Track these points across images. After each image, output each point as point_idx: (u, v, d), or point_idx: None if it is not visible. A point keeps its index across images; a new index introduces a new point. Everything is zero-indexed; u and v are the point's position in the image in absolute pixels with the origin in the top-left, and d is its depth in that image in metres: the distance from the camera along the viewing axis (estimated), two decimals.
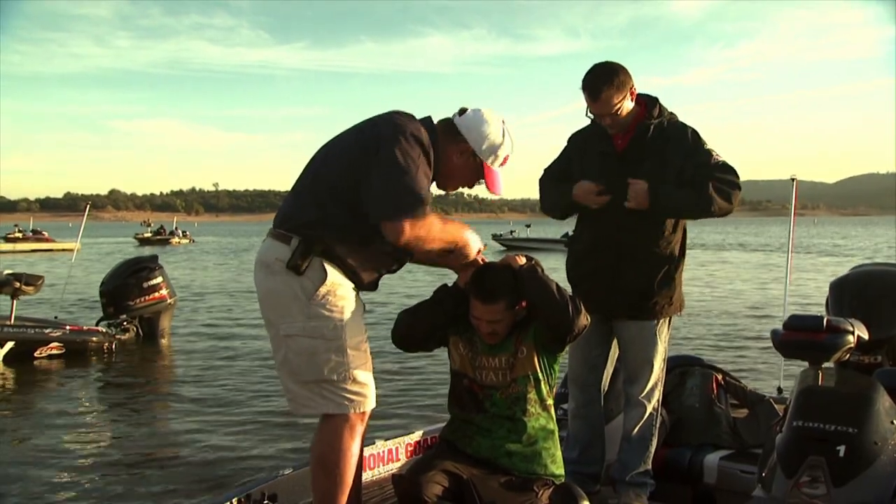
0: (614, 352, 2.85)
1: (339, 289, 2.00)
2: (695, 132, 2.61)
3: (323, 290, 1.96)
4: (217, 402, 6.28)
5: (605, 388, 2.88)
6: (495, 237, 33.52)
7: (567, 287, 2.31)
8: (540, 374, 2.24)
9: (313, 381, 1.98)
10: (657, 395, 2.76)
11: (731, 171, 2.57)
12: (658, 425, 2.78)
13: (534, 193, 2.88)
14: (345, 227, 1.99)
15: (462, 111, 2.14)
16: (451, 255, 2.13)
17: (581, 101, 2.54)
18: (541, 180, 2.80)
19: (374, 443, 2.89)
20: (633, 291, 2.64)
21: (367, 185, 1.94)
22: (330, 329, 1.97)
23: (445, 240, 2.03)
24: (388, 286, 14.86)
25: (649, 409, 2.75)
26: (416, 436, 3.09)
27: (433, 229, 1.96)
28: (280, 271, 1.96)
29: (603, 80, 2.47)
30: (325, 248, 1.97)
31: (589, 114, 2.55)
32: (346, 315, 2.01)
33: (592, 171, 2.65)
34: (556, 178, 2.80)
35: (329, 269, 1.98)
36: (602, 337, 2.77)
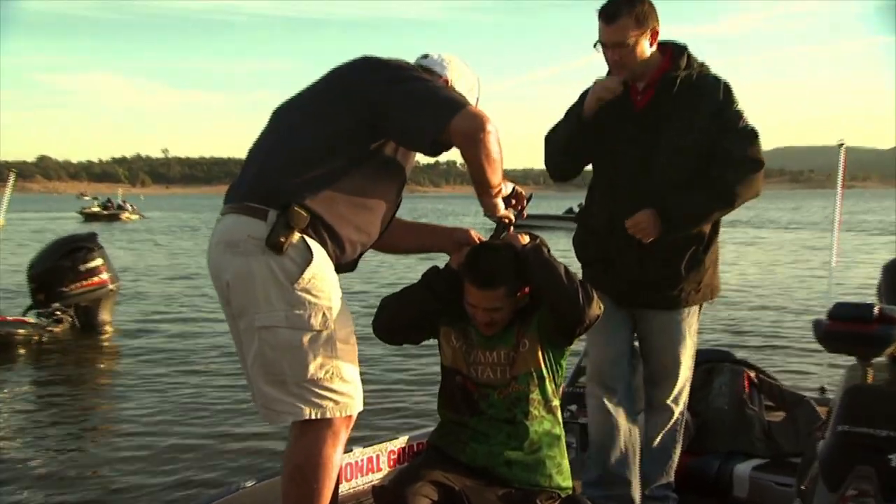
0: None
1: (325, 271, 2.01)
2: (727, 87, 2.59)
3: (309, 272, 1.97)
4: (166, 408, 6.28)
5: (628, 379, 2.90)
6: (485, 214, 33.83)
7: (577, 271, 2.33)
8: (544, 371, 2.25)
9: (294, 381, 1.99)
10: (684, 397, 2.78)
11: (756, 142, 2.56)
12: (681, 429, 2.81)
13: (537, 162, 2.90)
14: (332, 192, 2.01)
15: (424, 56, 2.29)
16: (492, 191, 2.14)
17: (596, 55, 2.55)
18: (545, 138, 2.80)
19: (350, 450, 2.90)
20: (655, 277, 2.65)
21: (393, 125, 2.01)
22: (317, 318, 1.98)
23: (501, 156, 2.04)
24: (367, 272, 15.07)
25: (675, 415, 2.77)
26: (401, 441, 3.10)
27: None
28: (254, 251, 1.96)
29: (624, 3, 2.47)
30: (311, 221, 1.99)
31: (599, 48, 2.53)
32: (335, 301, 2.02)
33: (606, 132, 2.65)
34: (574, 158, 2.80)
35: (315, 246, 1.99)
36: (623, 321, 2.78)
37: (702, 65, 2.64)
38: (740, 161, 2.52)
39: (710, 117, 2.55)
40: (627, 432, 2.81)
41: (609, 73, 2.63)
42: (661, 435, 2.76)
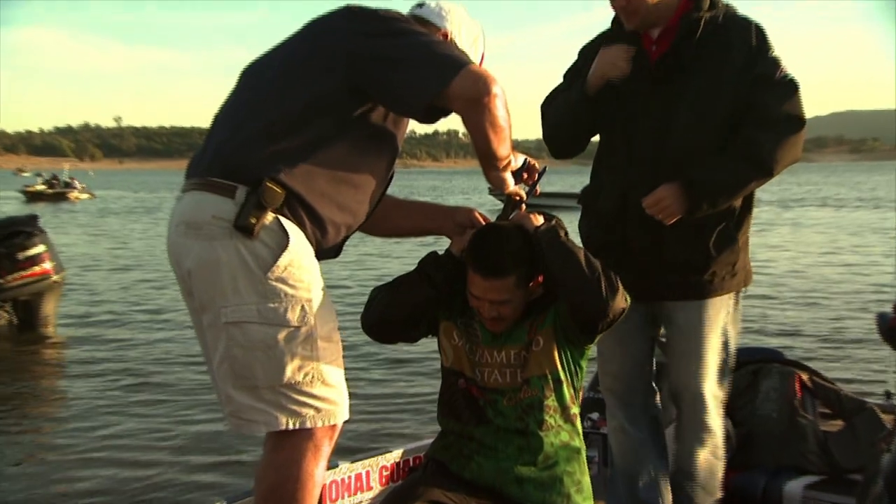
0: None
1: (304, 257, 2.02)
2: (760, 30, 2.55)
3: (285, 258, 1.97)
4: (118, 416, 6.29)
5: (653, 387, 2.91)
6: (492, 191, 34.40)
7: None
8: (561, 374, 2.27)
9: (268, 386, 2.00)
10: (721, 407, 2.76)
11: (796, 96, 2.52)
12: (722, 446, 2.79)
13: None
14: (311, 166, 2.02)
15: (420, 5, 2.31)
16: (499, 164, 2.16)
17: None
18: (542, 110, 2.79)
19: (335, 465, 2.91)
20: (679, 261, 2.64)
21: (381, 87, 2.03)
22: (294, 313, 1.99)
23: (510, 123, 2.06)
24: (353, 260, 15.17)
25: (715, 429, 2.74)
26: (395, 455, 3.12)
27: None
28: (220, 234, 1.97)
29: None
30: (287, 199, 1.99)
31: None
32: (315, 293, 2.03)
33: (614, 94, 2.63)
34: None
35: (291, 228, 2.00)
36: (643, 320, 2.79)
37: (728, 5, 2.62)
38: (778, 119, 2.48)
39: (741, 68, 2.50)
40: (655, 454, 2.81)
41: (612, 27, 2.62)
42: (699, 454, 2.74)
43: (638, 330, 2.77)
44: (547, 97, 2.80)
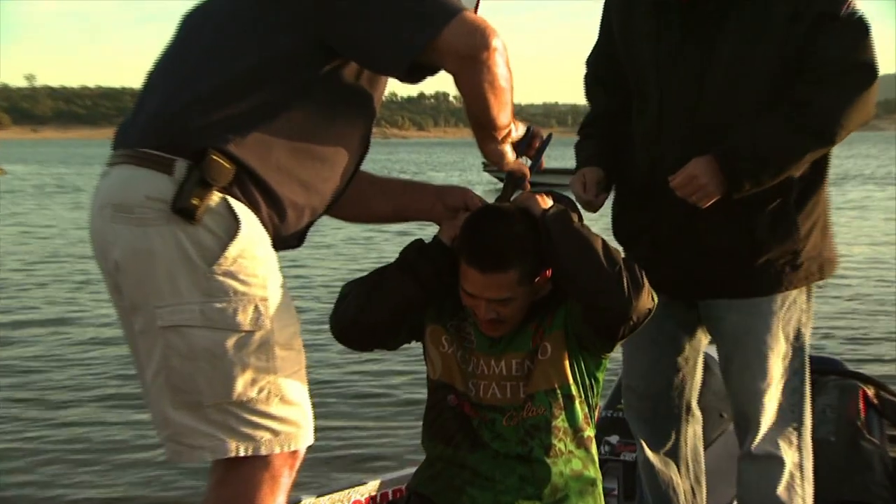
0: (700, 350, 2.88)
1: (258, 246, 2.01)
2: None
3: (234, 248, 1.97)
4: (35, 439, 6.28)
5: (695, 412, 2.93)
6: (486, 167, 35.11)
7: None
8: (573, 389, 2.29)
9: (214, 404, 2.00)
10: (797, 435, 2.71)
11: (866, 39, 2.47)
12: (802, 484, 2.73)
13: (561, 95, 3.00)
14: (268, 134, 2.02)
15: None
16: (497, 134, 2.19)
17: None
18: (586, 63, 2.83)
19: (298, 501, 2.92)
20: (722, 249, 2.64)
21: (353, 39, 2.04)
22: (247, 314, 1.99)
23: (512, 84, 2.08)
24: (319, 250, 15.16)
25: (787, 465, 2.69)
26: (370, 487, 3.13)
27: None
28: (155, 219, 1.96)
29: None
30: (237, 175, 1.99)
31: None
32: (272, 290, 2.03)
33: (642, 46, 2.65)
34: (601, 79, 2.83)
35: (242, 212, 1.99)
36: (681, 326, 2.80)
37: None
38: (843, 69, 2.45)
39: (795, 4, 2.47)
40: (692, 492, 2.84)
41: None
42: (767, 498, 2.69)
43: (671, 337, 2.79)
44: (586, 64, 2.86)
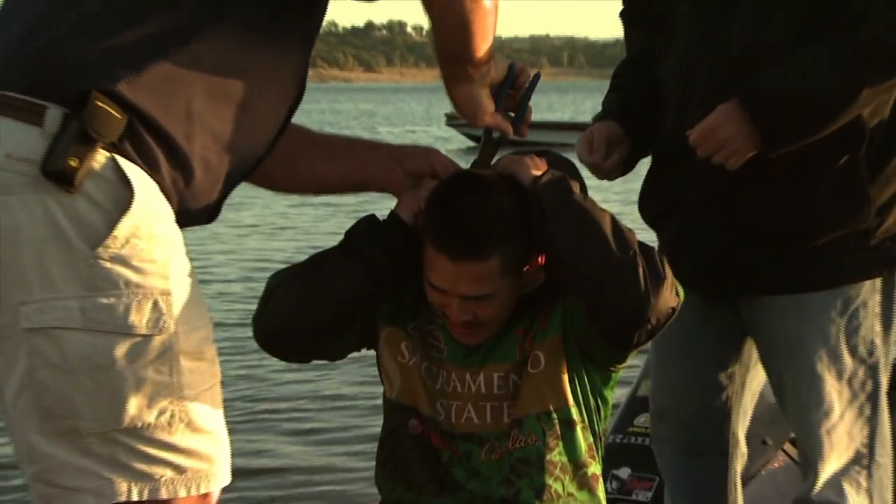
0: (756, 364, 2.90)
1: (157, 222, 1.99)
2: None
3: (126, 225, 1.94)
4: None
5: (742, 445, 2.96)
6: (450, 120, 35.62)
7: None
8: (574, 412, 2.29)
9: (98, 432, 1.98)
10: (867, 476, 2.72)
11: None
12: None
13: (553, 26, 3.21)
14: (170, 71, 2.00)
15: None
16: (473, 72, 2.21)
17: None
18: (620, 16, 2.94)
19: None
20: (768, 229, 2.66)
21: None
22: (143, 312, 1.97)
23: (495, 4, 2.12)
24: (240, 227, 15.13)
25: None
26: None
27: None
28: (20, 186, 1.93)
29: None
30: (130, 126, 1.96)
31: None
32: (176, 280, 2.01)
33: None
34: (631, 16, 2.92)
35: (136, 176, 1.96)
36: (723, 333, 2.83)
37: None
38: None
39: None
40: None
41: None
42: None
43: (710, 347, 2.83)
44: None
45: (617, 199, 13.83)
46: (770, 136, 2.49)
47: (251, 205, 16.81)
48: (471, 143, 35.63)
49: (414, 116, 62.80)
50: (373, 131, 43.49)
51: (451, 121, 37.41)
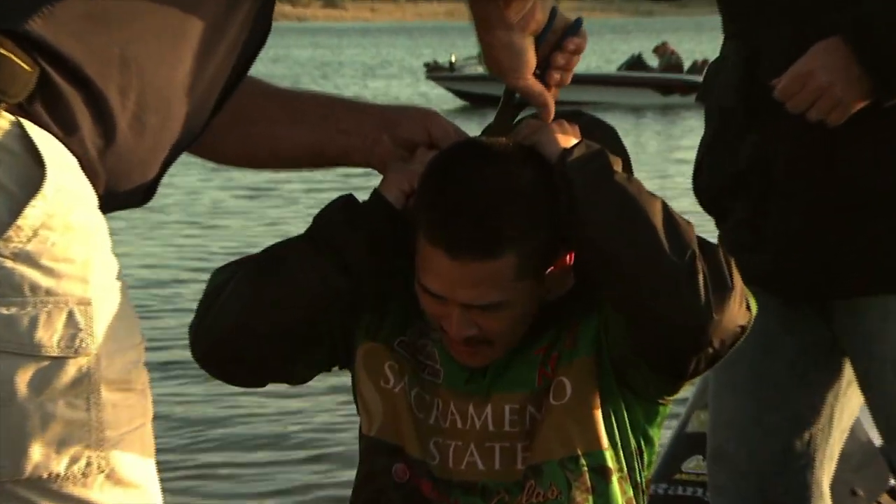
0: (847, 390, 2.92)
1: (74, 208, 1.98)
2: None
3: (35, 213, 1.93)
4: None
5: (826, 496, 2.98)
6: (431, 71, 35.91)
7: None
8: (609, 457, 2.30)
9: None
10: None
11: None
12: None
13: None
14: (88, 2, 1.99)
15: None
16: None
17: None
18: None
19: None
20: (879, 206, 2.69)
21: None
22: (55, 327, 1.96)
23: None
24: (184, 212, 15.10)
25: None
26: None
27: None
28: None
29: None
30: (41, 78, 1.95)
31: None
32: (98, 286, 2.01)
33: None
34: None
35: (49, 148, 1.96)
36: (807, 351, 2.85)
37: None
38: None
39: None
40: None
41: None
42: None
43: (791, 370, 2.84)
44: None
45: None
46: (885, 80, 2.52)
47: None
48: (461, 103, 35.81)
49: (387, 67, 62.89)
50: (333, 87, 43.62)
51: (432, 72, 37.56)
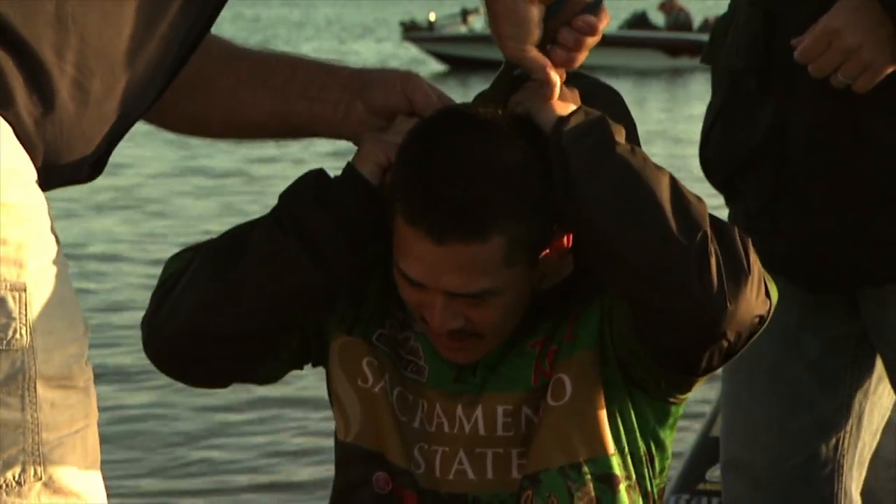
0: (877, 388, 2.93)
1: (5, 185, 1.98)
2: None
3: None
4: None
5: (856, 499, 3.00)
6: (408, 31, 35.97)
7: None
8: (615, 463, 2.31)
9: None
10: None
11: None
12: None
13: None
14: None
15: None
16: None
17: None
18: None
19: None
20: None
21: None
22: None
23: None
24: (127, 197, 15.11)
25: None
26: None
27: None
28: None
29: None
30: None
31: None
32: (34, 273, 2.01)
33: None
34: None
35: None
36: (833, 346, 2.87)
37: None
38: None
39: None
40: None
41: None
42: None
43: (815, 369, 2.85)
44: None
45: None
46: None
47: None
48: (440, 67, 35.72)
49: (356, 26, 62.68)
50: (295, 47, 43.43)
51: (410, 32, 37.38)
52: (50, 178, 2.06)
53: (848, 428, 2.92)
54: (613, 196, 2.16)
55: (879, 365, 2.90)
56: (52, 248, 2.04)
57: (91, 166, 2.16)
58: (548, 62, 2.31)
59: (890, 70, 2.51)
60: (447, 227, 2.18)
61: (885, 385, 2.92)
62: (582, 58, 2.37)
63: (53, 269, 2.04)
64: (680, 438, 2.59)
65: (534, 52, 2.30)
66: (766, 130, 2.75)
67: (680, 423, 2.40)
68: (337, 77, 2.51)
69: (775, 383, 2.83)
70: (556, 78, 2.30)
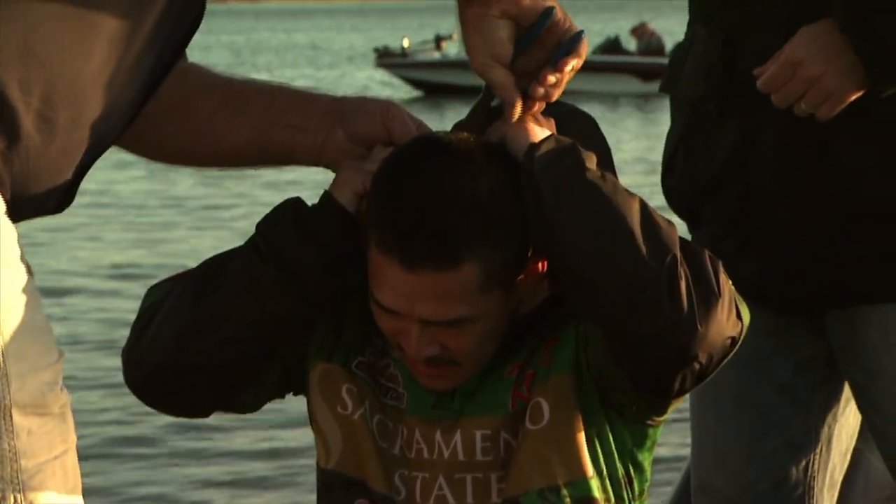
0: (845, 409, 2.95)
1: None
2: None
3: None
4: None
5: None
6: (382, 57, 36.01)
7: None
8: (594, 486, 2.30)
9: None
10: None
11: None
12: None
13: None
14: None
15: None
16: None
17: None
18: None
19: None
20: (878, 206, 2.70)
21: None
22: None
23: None
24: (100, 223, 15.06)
25: None
26: None
27: None
28: None
29: None
30: None
31: None
32: (5, 300, 2.00)
33: None
34: None
35: None
36: (802, 369, 2.87)
37: None
38: None
39: None
40: None
41: None
42: None
43: (783, 392, 2.87)
44: None
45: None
46: (882, 70, 2.54)
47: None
48: (417, 93, 35.70)
49: (332, 53, 62.62)
50: (270, 74, 43.36)
51: (383, 58, 37.38)
52: (19, 208, 2.05)
53: (818, 450, 2.93)
54: (584, 221, 2.16)
55: (846, 386, 2.91)
56: (22, 276, 2.04)
57: (60, 196, 2.15)
58: (512, 81, 2.32)
59: (852, 97, 2.52)
60: (419, 255, 2.18)
61: (852, 406, 2.93)
62: (559, 93, 2.37)
63: (23, 298, 2.03)
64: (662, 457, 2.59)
65: (500, 70, 2.31)
66: (728, 153, 2.75)
67: (673, 454, 2.41)
68: (317, 105, 2.50)
69: (743, 408, 2.84)
70: (519, 97, 2.31)
